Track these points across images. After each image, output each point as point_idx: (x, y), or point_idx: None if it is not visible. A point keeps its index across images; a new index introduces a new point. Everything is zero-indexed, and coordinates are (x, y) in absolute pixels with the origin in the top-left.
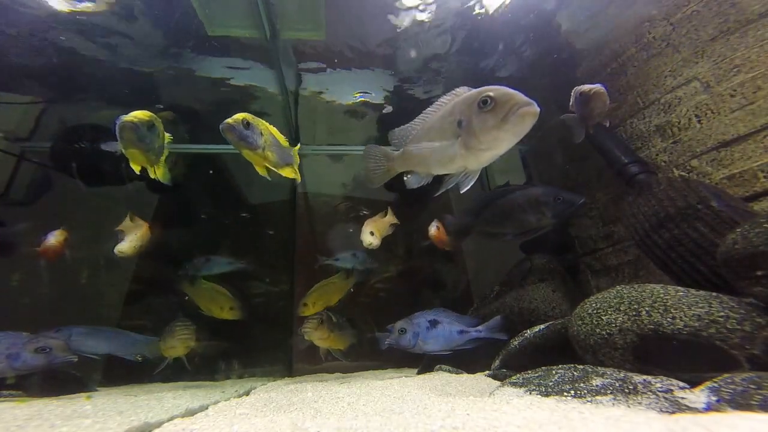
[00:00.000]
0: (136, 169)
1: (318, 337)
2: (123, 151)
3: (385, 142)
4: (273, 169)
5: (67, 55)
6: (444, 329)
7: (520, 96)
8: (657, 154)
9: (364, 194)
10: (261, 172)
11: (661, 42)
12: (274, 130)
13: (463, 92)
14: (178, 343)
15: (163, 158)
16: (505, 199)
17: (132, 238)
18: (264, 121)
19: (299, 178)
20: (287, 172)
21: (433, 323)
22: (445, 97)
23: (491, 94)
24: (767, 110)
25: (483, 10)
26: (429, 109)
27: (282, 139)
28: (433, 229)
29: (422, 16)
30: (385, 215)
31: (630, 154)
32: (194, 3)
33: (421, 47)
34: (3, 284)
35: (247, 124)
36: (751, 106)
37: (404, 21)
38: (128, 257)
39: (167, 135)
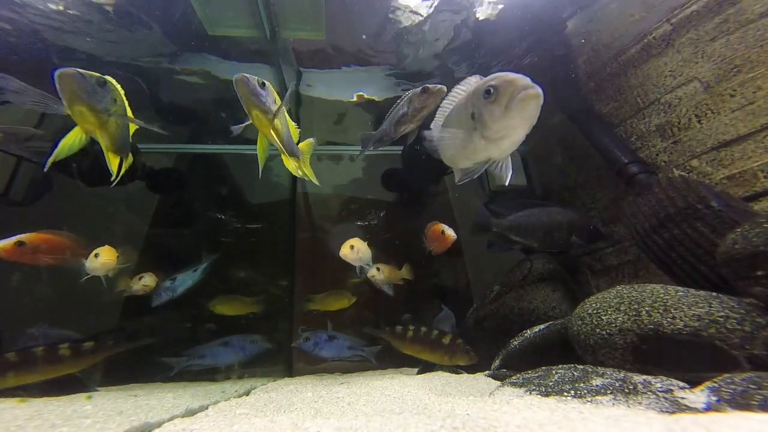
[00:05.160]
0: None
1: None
2: (68, 111)
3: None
4: (288, 162)
5: (66, 54)
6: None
7: (520, 81)
8: (657, 154)
9: (365, 195)
10: (261, 149)
11: (661, 42)
12: (288, 118)
13: (475, 81)
14: None
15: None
16: (538, 212)
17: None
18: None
19: (312, 176)
20: (291, 165)
21: (331, 338)
22: (458, 86)
23: (493, 83)
24: (767, 110)
25: (483, 9)
26: (444, 102)
27: (292, 128)
28: (447, 231)
29: (422, 14)
30: (400, 269)
31: (630, 154)
32: (194, 3)
33: (420, 46)
34: (3, 284)
35: (262, 84)
36: (751, 106)
37: (405, 20)
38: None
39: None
